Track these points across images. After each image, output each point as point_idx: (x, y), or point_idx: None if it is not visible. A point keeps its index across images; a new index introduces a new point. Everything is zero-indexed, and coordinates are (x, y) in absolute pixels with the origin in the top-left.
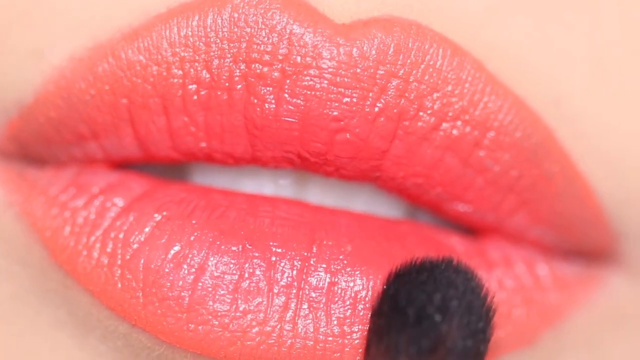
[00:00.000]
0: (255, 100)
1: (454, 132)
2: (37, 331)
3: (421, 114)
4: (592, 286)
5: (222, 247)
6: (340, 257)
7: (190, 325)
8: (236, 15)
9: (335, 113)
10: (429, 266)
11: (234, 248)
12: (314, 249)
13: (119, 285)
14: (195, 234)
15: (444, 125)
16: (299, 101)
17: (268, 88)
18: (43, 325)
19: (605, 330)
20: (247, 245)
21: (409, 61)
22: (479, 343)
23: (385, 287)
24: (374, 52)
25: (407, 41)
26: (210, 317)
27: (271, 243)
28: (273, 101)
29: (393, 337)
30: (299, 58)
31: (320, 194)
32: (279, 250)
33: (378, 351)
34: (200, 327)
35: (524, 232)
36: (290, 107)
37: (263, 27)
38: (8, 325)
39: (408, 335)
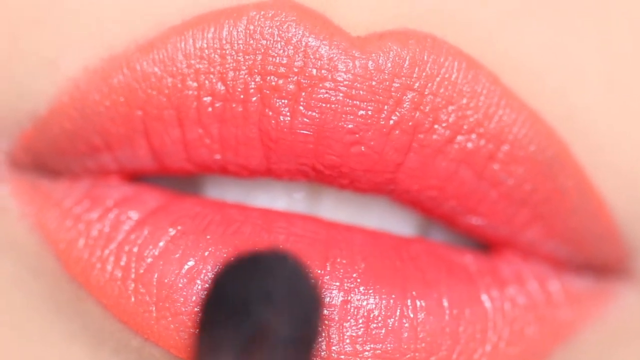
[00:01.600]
0: (270, 113)
1: (469, 145)
2: (49, 343)
3: (436, 126)
4: (604, 301)
5: None
6: (354, 275)
7: None
8: (252, 27)
9: (350, 126)
10: (251, 258)
11: None
12: (328, 266)
13: (132, 299)
14: (210, 249)
15: (459, 138)
16: (314, 114)
17: (283, 100)
18: (55, 337)
19: (617, 346)
20: None
21: (424, 74)
22: (307, 331)
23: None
24: (389, 64)
25: (422, 54)
26: None
27: None
28: (288, 113)
29: (215, 330)
30: (314, 70)
31: (334, 208)
32: None
33: (203, 348)
34: None
35: (537, 246)
36: (305, 119)
37: (279, 39)
38: (20, 336)
39: (229, 327)
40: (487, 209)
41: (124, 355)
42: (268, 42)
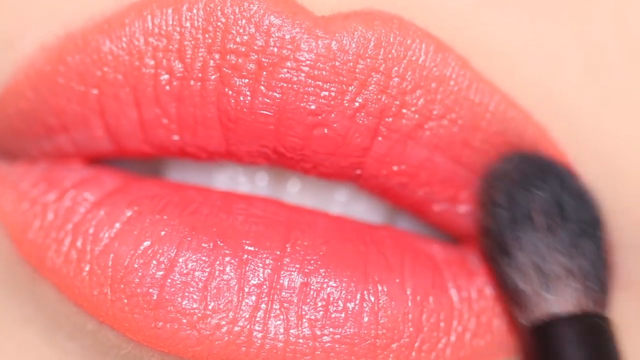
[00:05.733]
0: (230, 92)
1: (441, 131)
2: (4, 329)
3: (404, 111)
4: None
5: (193, 243)
6: (315, 257)
7: (158, 322)
8: (212, 4)
9: (312, 107)
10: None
11: (204, 245)
12: (288, 248)
13: (87, 281)
14: (166, 229)
15: (430, 123)
16: (275, 94)
17: (243, 80)
18: (9, 322)
19: None
20: (219, 242)
21: (390, 56)
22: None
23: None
24: (353, 45)
25: (388, 35)
26: (178, 315)
27: (244, 241)
28: (248, 93)
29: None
30: (275, 50)
31: (299, 196)
32: (252, 248)
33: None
34: (168, 325)
35: None
36: (266, 99)
37: (240, 17)
38: None
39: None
40: (468, 196)
41: (79, 341)
42: (228, 20)
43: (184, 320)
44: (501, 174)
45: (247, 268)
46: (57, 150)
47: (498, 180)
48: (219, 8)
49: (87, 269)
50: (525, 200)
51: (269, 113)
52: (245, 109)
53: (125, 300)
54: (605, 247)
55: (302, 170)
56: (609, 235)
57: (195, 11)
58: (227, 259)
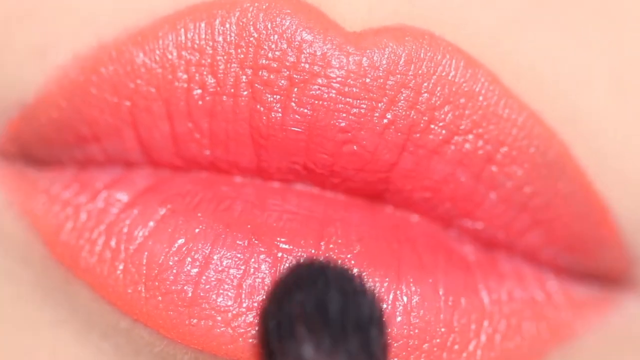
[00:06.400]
0: (262, 109)
1: (466, 146)
2: (39, 330)
3: (432, 126)
4: (605, 308)
5: (228, 240)
6: (349, 256)
7: (192, 320)
8: (244, 19)
9: (342, 124)
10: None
11: (239, 242)
12: (322, 246)
13: (122, 279)
14: (200, 227)
15: (456, 138)
16: (305, 110)
17: (275, 96)
18: (44, 324)
19: (617, 353)
20: (254, 239)
21: (420, 72)
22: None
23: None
24: (384, 61)
25: (419, 51)
26: (213, 312)
27: (278, 238)
28: (279, 110)
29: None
30: (307, 66)
31: None
32: (286, 246)
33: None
34: (202, 322)
35: (537, 251)
36: (296, 116)
37: (272, 32)
38: (9, 326)
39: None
40: (485, 213)
41: (113, 339)
42: (261, 35)
43: (219, 318)
44: (279, 282)
45: (282, 266)
46: (87, 159)
47: (275, 290)
48: (251, 23)
49: (121, 267)
50: (290, 307)
51: (300, 130)
52: (276, 126)
53: (160, 298)
54: (377, 342)
55: (330, 186)
56: (385, 329)
57: (227, 26)
58: (261, 256)
